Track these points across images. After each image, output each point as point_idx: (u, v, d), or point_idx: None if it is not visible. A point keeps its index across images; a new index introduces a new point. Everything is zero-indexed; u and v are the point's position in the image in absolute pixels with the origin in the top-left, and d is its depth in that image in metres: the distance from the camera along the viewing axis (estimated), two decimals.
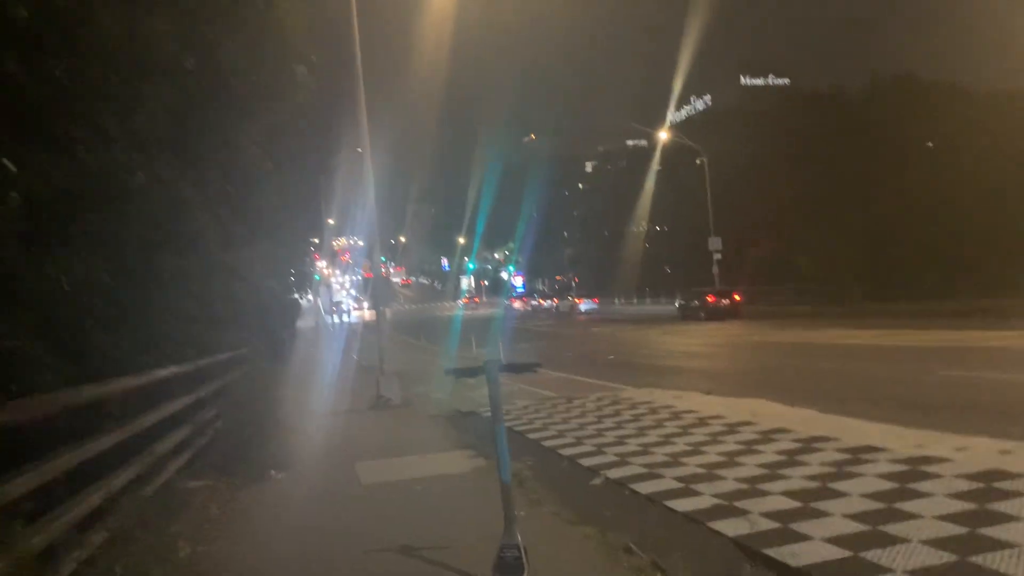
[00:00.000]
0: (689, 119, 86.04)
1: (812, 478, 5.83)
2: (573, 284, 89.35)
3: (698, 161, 46.19)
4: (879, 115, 42.85)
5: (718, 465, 6.56)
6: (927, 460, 5.94)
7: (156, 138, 6.36)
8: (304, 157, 14.76)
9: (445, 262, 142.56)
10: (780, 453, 6.76)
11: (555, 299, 71.74)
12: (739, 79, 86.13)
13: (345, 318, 57.56)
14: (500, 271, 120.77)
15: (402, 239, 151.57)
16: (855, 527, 4.63)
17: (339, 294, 74.59)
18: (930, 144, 41.38)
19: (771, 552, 4.38)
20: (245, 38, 7.94)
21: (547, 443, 8.36)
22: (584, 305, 62.43)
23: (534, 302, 75.37)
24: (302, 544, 5.25)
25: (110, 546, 4.36)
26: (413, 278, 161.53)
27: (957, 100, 40.69)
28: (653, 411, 9.73)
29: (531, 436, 8.80)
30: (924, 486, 5.30)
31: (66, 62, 5.56)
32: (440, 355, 23.70)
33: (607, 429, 8.80)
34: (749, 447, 7.12)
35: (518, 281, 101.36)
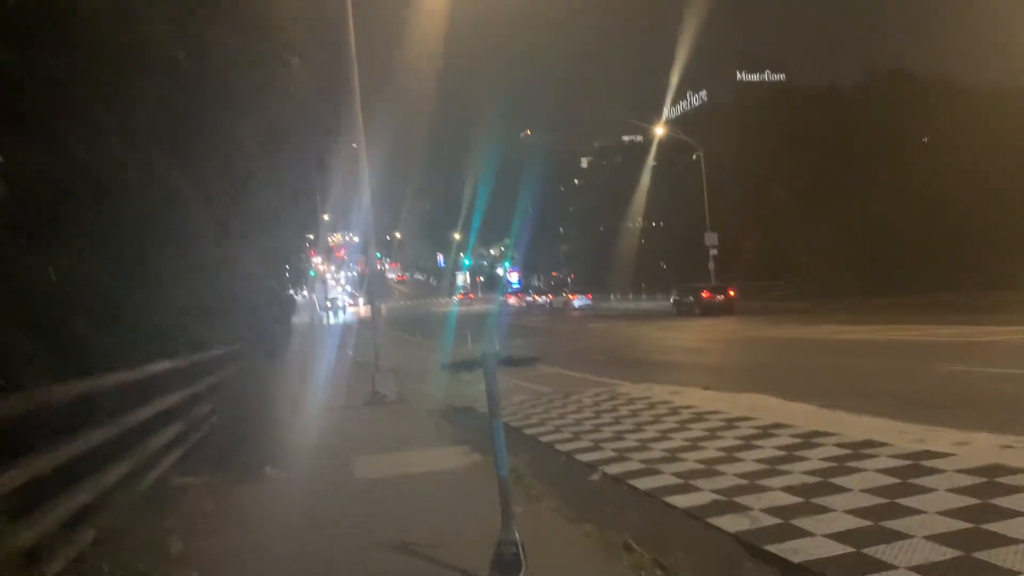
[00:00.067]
0: (685, 115, 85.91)
1: (812, 473, 5.78)
2: (569, 280, 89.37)
3: (694, 157, 46.19)
4: (875, 111, 42.92)
5: (717, 461, 6.51)
6: (928, 455, 5.90)
7: (150, 133, 6.25)
8: (299, 151, 14.65)
9: (441, 258, 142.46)
10: (779, 448, 6.71)
11: (549, 295, 71.76)
12: (735, 75, 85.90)
13: (341, 315, 57.39)
14: (496, 267, 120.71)
15: (397, 235, 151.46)
16: (857, 522, 4.58)
17: (334, 290, 74.41)
18: (925, 140, 41.39)
19: (772, 548, 4.33)
20: (241, 33, 7.84)
21: (544, 439, 8.31)
22: (578, 301, 62.52)
23: (528, 298, 75.39)
24: (297, 540, 5.18)
25: (101, 543, 4.29)
26: (408, 274, 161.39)
27: (954, 96, 40.72)
28: (651, 407, 9.69)
29: (528, 432, 8.75)
30: (926, 481, 5.26)
31: (59, 56, 5.47)
32: (435, 351, 23.64)
33: (605, 425, 8.75)
34: (748, 442, 7.08)
35: (514, 277, 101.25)
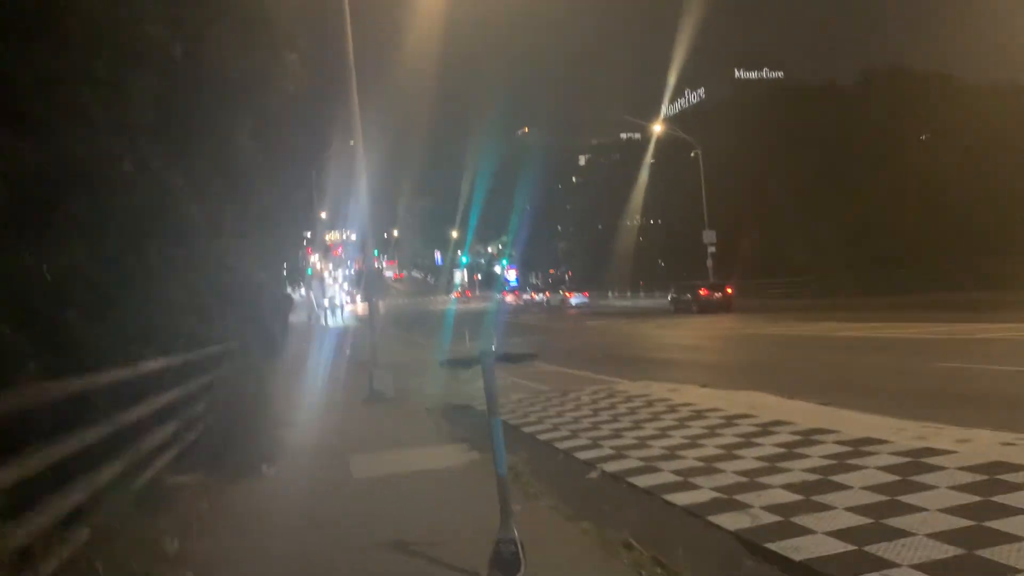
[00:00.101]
0: (683, 112, 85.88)
1: (813, 471, 5.74)
2: (566, 278, 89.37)
3: (692, 154, 46.19)
4: (874, 109, 42.91)
5: (717, 458, 6.48)
6: (929, 452, 5.86)
7: (142, 125, 6.20)
8: (296, 149, 14.59)
9: (438, 256, 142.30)
10: (779, 446, 6.67)
11: (547, 292, 71.78)
12: (733, 72, 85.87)
13: (338, 314, 57.15)
14: (493, 265, 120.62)
15: (395, 233, 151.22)
16: (858, 520, 4.55)
17: (332, 288, 74.21)
18: (923, 138, 41.39)
19: (773, 546, 4.29)
20: (234, 24, 7.79)
21: (542, 436, 8.27)
22: (575, 299, 62.62)
23: (526, 296, 75.42)
24: (294, 540, 5.14)
25: (95, 542, 4.23)
26: (406, 272, 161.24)
27: (953, 94, 40.73)
28: (649, 404, 9.65)
29: (526, 430, 8.71)
30: (927, 478, 5.23)
31: (55, 53, 5.42)
32: (433, 349, 23.59)
33: (603, 422, 8.71)
34: (748, 440, 7.04)
35: (511, 275, 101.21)
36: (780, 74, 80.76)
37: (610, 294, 69.37)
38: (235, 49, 7.91)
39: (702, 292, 37.16)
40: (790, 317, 26.88)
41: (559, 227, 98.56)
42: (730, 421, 8.00)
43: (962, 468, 5.36)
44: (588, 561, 4.34)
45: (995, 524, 4.24)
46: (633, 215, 74.70)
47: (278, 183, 12.05)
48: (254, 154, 9.22)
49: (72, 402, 4.41)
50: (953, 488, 4.96)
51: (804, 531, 4.47)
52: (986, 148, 35.40)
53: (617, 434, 7.95)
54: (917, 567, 3.79)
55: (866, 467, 5.69)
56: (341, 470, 7.12)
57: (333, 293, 68.53)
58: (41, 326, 4.80)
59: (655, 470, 6.29)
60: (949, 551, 3.94)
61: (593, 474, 6.52)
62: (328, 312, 50.97)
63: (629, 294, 66.48)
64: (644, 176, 70.97)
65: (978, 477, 5.12)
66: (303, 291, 46.64)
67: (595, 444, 7.57)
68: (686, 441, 7.27)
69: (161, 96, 6.62)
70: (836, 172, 42.25)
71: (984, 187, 34.78)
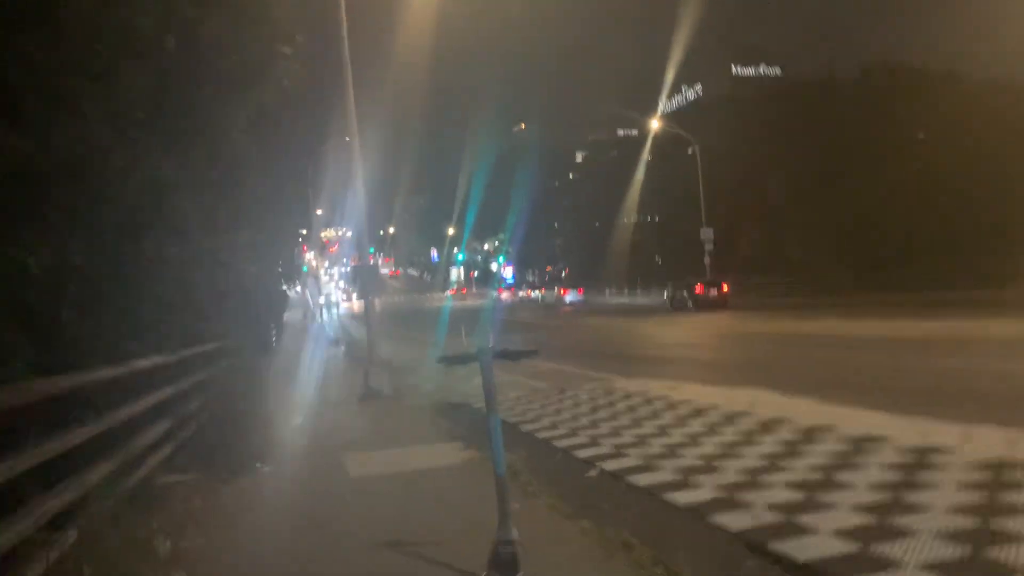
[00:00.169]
0: (680, 109, 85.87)
1: (815, 469, 5.68)
2: (563, 275, 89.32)
3: (689, 151, 46.11)
4: (872, 104, 42.83)
5: (717, 456, 6.40)
6: (932, 450, 5.80)
7: (135, 118, 6.12)
8: (291, 144, 14.49)
9: (434, 253, 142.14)
10: (780, 444, 6.60)
11: (542, 289, 71.80)
12: (730, 68, 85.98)
13: (333, 312, 56.94)
14: (490, 262, 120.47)
15: (391, 230, 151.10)
16: (862, 519, 4.48)
17: (327, 285, 74.01)
18: (921, 136, 41.37)
19: (776, 546, 4.22)
20: (229, 17, 7.69)
21: (540, 435, 8.19)
22: (569, 296, 62.62)
23: (521, 293, 75.44)
24: (289, 540, 5.06)
25: (84, 544, 4.14)
26: (402, 269, 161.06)
27: (951, 88, 40.67)
28: (648, 401, 9.58)
29: (524, 428, 8.64)
30: (931, 476, 5.16)
31: (41, 37, 5.32)
32: (429, 346, 23.51)
33: (602, 420, 8.64)
34: (748, 437, 6.97)
35: (508, 272, 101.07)
36: (777, 70, 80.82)
37: (607, 291, 69.30)
38: (230, 42, 7.81)
39: (698, 290, 37.16)
40: (787, 315, 26.84)
41: (556, 224, 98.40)
42: (729, 419, 7.93)
43: (967, 466, 5.30)
44: (587, 560, 4.27)
45: (1002, 523, 4.18)
46: (630, 212, 74.63)
47: (273, 178, 11.96)
48: (249, 148, 9.13)
49: (62, 400, 4.32)
50: (958, 486, 4.89)
51: (808, 530, 4.40)
52: (985, 146, 35.36)
53: (616, 432, 7.87)
54: (924, 567, 3.72)
55: (869, 465, 5.62)
56: (337, 469, 7.04)
57: (329, 290, 68.34)
58: (31, 322, 4.71)
59: (655, 468, 6.21)
60: (957, 551, 3.87)
61: (592, 472, 6.44)
62: (324, 309, 50.79)
63: (626, 291, 66.40)
64: (641, 173, 70.93)
65: (983, 475, 5.06)
66: (298, 288, 46.50)
67: (594, 442, 7.50)
68: (685, 439, 7.20)
69: (155, 89, 6.53)
70: (834, 169, 42.20)
71: (983, 185, 34.76)
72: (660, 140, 62.95)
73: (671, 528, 4.87)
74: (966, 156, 35.76)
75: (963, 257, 33.19)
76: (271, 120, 10.19)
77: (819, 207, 41.63)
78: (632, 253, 70.20)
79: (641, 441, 7.30)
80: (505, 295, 77.86)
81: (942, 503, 4.60)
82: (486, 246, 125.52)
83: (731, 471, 5.88)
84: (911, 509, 4.56)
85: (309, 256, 47.18)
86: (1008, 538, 3.97)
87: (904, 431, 6.56)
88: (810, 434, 6.83)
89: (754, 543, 4.36)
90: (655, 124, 60.85)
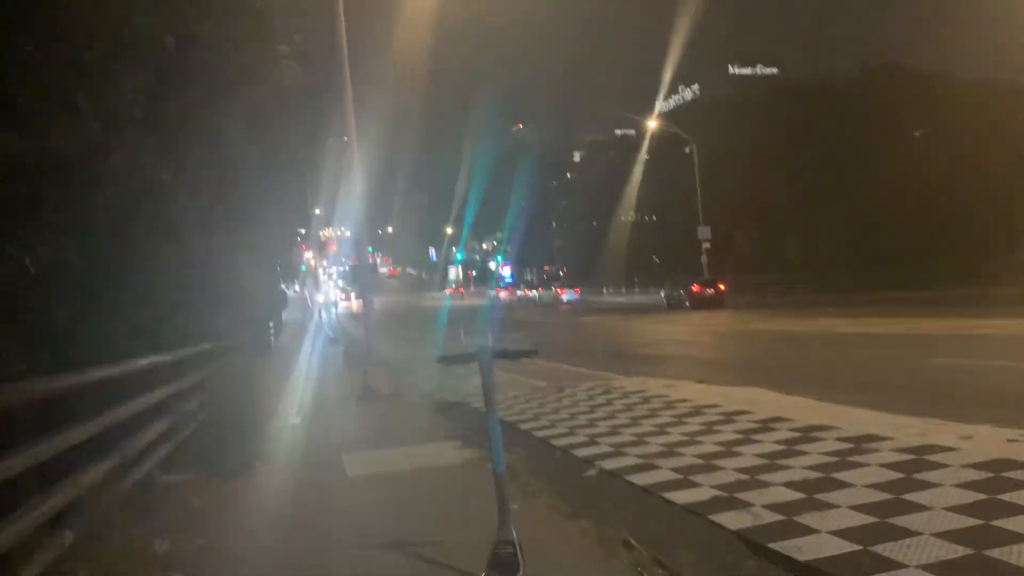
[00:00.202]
0: (677, 109, 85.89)
1: (814, 468, 5.65)
2: (561, 274, 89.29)
3: (687, 150, 46.07)
4: (869, 104, 42.86)
5: (716, 455, 6.39)
6: (932, 449, 5.78)
7: (132, 118, 6.09)
8: (289, 144, 14.45)
9: (433, 252, 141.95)
10: (780, 443, 6.59)
11: (539, 288, 71.83)
12: (728, 69, 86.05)
13: (332, 311, 56.83)
14: (488, 261, 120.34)
15: (390, 229, 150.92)
16: (863, 519, 4.46)
17: (326, 284, 73.90)
18: (917, 134, 41.35)
19: (776, 546, 4.20)
20: (227, 16, 7.67)
21: (539, 434, 8.18)
22: (566, 295, 62.75)
23: (519, 292, 75.47)
24: (287, 539, 5.04)
25: (81, 545, 4.12)
26: (400, 268, 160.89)
27: (948, 89, 40.70)
28: (646, 400, 9.57)
29: (523, 427, 8.62)
30: (931, 476, 5.14)
31: (37, 36, 5.30)
32: (428, 345, 23.49)
33: (600, 419, 8.63)
34: (747, 436, 6.95)
35: (506, 271, 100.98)
36: (775, 70, 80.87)
37: (605, 290, 69.31)
38: (228, 42, 7.79)
39: (695, 288, 37.27)
40: (785, 313, 26.86)
41: (554, 223, 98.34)
42: (728, 417, 7.92)
43: (967, 465, 5.28)
44: (587, 560, 4.26)
45: (1003, 523, 4.16)
46: (628, 211, 74.60)
47: (271, 177, 11.91)
48: (246, 148, 9.09)
49: (59, 400, 4.30)
50: (959, 486, 4.87)
51: (808, 530, 4.38)
52: (985, 147, 35.39)
53: (614, 431, 7.86)
54: (925, 567, 3.71)
55: (869, 464, 5.60)
56: (335, 468, 7.02)
57: (327, 290, 68.25)
58: (27, 322, 4.69)
59: (654, 468, 6.20)
60: (957, 551, 3.86)
61: (591, 472, 6.43)
62: (323, 309, 50.72)
63: (624, 290, 66.42)
64: (639, 172, 70.90)
65: (984, 474, 5.04)
66: (297, 288, 46.45)
67: (593, 441, 7.48)
68: (684, 438, 7.18)
69: (151, 89, 6.51)
70: (833, 169, 42.20)
71: (982, 185, 34.80)
72: (658, 140, 62.90)
73: (671, 527, 4.85)
74: (965, 157, 35.79)
75: (963, 256, 33.21)
76: (269, 119, 10.15)
77: (817, 206, 41.66)
78: (629, 252, 70.19)
79: (640, 440, 7.29)
80: (503, 294, 77.83)
81: (942, 503, 4.58)
82: (484, 245, 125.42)
83: (730, 470, 5.86)
84: (911, 508, 4.55)
85: (308, 255, 47.11)
86: (1010, 538, 3.95)
87: (904, 430, 6.55)
88: (809, 433, 6.82)
89: (754, 543, 4.34)
90: (653, 124, 60.82)
